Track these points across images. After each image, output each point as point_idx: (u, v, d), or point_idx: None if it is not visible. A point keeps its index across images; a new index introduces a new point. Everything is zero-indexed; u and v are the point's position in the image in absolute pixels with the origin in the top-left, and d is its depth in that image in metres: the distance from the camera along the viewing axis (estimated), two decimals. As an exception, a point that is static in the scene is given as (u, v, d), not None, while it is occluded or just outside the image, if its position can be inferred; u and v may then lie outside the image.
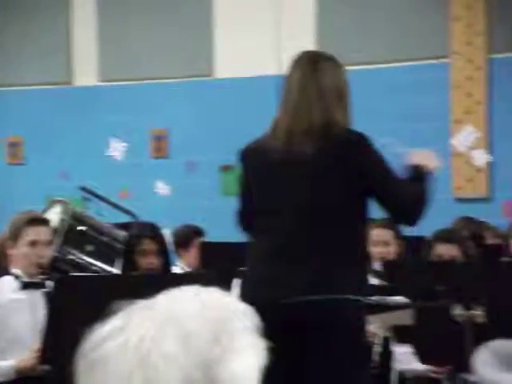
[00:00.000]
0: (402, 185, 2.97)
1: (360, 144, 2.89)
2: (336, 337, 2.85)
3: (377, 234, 4.61)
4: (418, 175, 3.03)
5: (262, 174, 2.94)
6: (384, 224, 4.64)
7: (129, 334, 0.91)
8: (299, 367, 2.91)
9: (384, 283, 4.25)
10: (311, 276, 2.84)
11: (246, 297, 2.77)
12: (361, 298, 2.93)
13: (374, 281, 4.44)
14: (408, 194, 2.95)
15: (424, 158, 3.09)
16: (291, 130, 2.88)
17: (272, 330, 2.58)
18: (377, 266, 4.50)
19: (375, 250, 4.59)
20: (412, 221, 2.99)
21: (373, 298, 3.46)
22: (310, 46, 7.34)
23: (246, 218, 3.08)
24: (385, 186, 2.92)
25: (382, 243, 4.62)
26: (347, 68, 3.10)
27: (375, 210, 3.09)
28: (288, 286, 2.84)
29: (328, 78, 2.95)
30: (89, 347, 0.94)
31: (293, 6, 7.54)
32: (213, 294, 0.97)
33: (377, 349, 4.26)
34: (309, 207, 2.88)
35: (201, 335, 0.90)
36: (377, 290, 3.66)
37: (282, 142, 2.88)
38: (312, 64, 2.96)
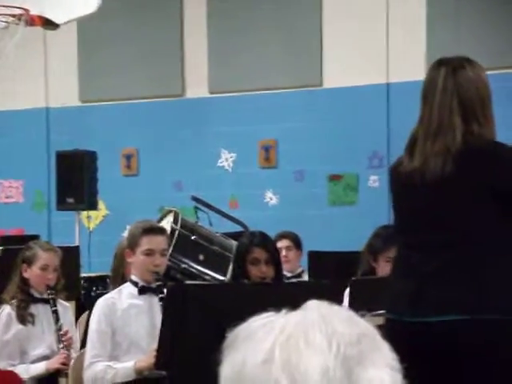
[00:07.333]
0: None
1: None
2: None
3: None
4: None
5: (403, 197, 2.81)
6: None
7: (276, 318, 0.95)
8: None
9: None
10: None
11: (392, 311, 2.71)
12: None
13: None
14: None
15: None
16: (429, 152, 2.69)
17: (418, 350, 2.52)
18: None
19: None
20: None
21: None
22: (419, 54, 7.28)
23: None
24: None
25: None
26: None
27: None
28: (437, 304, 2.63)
29: (471, 86, 2.71)
30: (233, 335, 0.98)
31: (400, 16, 7.49)
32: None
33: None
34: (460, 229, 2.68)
35: (345, 335, 0.94)
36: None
37: (419, 164, 2.70)
38: (452, 72, 2.73)
